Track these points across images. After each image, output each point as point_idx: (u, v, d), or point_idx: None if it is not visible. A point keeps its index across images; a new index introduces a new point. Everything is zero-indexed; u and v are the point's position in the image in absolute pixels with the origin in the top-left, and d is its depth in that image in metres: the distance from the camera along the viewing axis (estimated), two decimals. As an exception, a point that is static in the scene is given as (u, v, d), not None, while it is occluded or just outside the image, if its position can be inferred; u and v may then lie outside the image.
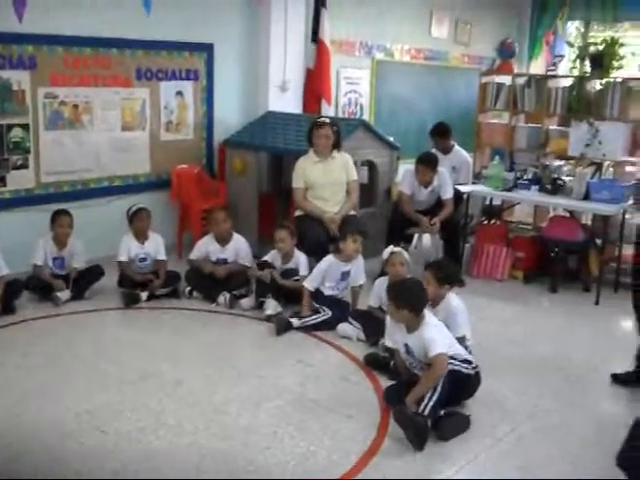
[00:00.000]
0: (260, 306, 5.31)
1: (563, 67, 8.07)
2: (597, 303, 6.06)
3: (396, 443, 3.46)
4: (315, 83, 6.83)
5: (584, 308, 5.98)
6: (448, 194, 6.45)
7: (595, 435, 3.75)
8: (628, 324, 5.63)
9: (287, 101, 6.86)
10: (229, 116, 6.84)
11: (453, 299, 4.29)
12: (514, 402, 4.08)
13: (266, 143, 6.51)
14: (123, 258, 5.59)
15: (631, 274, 4.71)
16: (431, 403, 3.51)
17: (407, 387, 3.66)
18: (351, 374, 4.32)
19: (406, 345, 3.84)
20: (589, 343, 5.17)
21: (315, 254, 5.49)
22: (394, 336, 3.96)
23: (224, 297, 5.42)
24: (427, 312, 3.85)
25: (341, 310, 5.09)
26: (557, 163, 7.20)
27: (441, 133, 6.99)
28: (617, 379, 4.43)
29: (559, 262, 6.48)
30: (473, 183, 6.95)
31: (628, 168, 7.00)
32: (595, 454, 3.51)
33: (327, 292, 5.18)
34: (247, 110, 6.79)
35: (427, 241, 6.54)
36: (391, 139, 6.60)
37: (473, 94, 8.03)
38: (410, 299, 3.80)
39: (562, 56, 8.28)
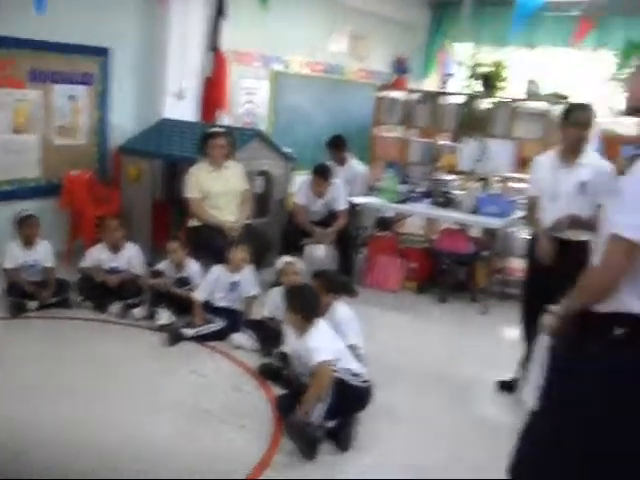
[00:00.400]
0: (152, 316, 5.23)
1: (454, 85, 8.32)
2: (484, 313, 6.28)
3: (289, 453, 3.47)
4: (212, 92, 6.81)
5: (472, 318, 6.18)
6: (342, 205, 6.56)
7: (484, 440, 3.89)
8: (512, 333, 5.84)
9: (184, 109, 6.80)
10: (125, 122, 6.72)
11: (340, 308, 4.33)
12: (406, 410, 4.17)
13: (161, 150, 6.44)
14: (10, 265, 5.39)
15: (521, 287, 4.90)
16: (320, 413, 3.54)
17: (299, 396, 3.67)
18: (244, 384, 4.30)
19: (296, 351, 3.89)
20: (477, 352, 5.34)
21: (220, 263, 5.47)
22: (289, 341, 4.01)
23: (116, 306, 5.32)
24: (320, 321, 3.88)
25: (234, 320, 5.07)
26: (448, 177, 7.43)
27: (337, 145, 7.08)
28: (503, 386, 4.61)
29: (449, 273, 6.68)
30: (367, 195, 7.07)
31: (513, 184, 7.28)
32: (485, 459, 3.63)
33: (218, 303, 5.16)
34: (143, 116, 6.69)
35: (321, 251, 6.60)
36: (287, 150, 6.65)
37: (369, 108, 8.18)
38: (303, 304, 3.85)
39: (451, 74, 8.55)
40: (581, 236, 4.11)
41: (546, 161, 4.43)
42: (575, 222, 4.14)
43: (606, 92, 8.00)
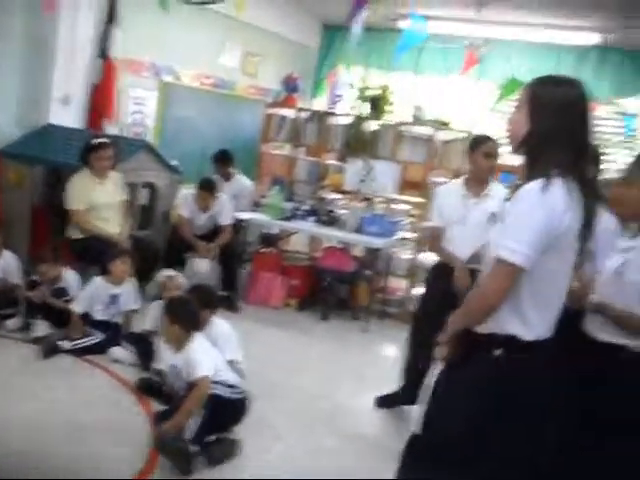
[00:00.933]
0: (28, 327, 5.05)
1: (343, 106, 8.47)
2: (365, 331, 6.40)
3: (167, 470, 3.41)
4: (99, 100, 6.66)
5: (353, 336, 6.28)
6: (227, 220, 6.56)
7: (362, 457, 3.97)
8: (392, 351, 5.99)
9: (69, 115, 6.61)
10: (6, 126, 6.47)
11: (218, 324, 4.31)
12: (285, 426, 4.20)
13: (44, 156, 6.23)
14: None
15: (415, 313, 4.90)
16: (194, 427, 3.52)
17: (174, 410, 3.64)
18: (122, 399, 4.21)
19: (173, 366, 3.83)
20: (356, 369, 5.43)
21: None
22: (164, 357, 3.95)
23: (-12, 317, 5.11)
24: (199, 335, 3.86)
25: (113, 333, 4.96)
26: (333, 196, 7.55)
27: (223, 159, 7.06)
28: (381, 401, 4.70)
29: (331, 291, 6.78)
30: (252, 211, 7.09)
31: (396, 205, 7.47)
32: (364, 476, 3.71)
33: (97, 316, 5.02)
34: (27, 121, 6.45)
35: (204, 266, 6.57)
36: (174, 162, 6.59)
37: (257, 124, 8.21)
38: (183, 315, 3.81)
39: (341, 96, 8.70)
40: None
41: (452, 191, 4.47)
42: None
43: (486, 122, 8.33)
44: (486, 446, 2.30)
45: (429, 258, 6.56)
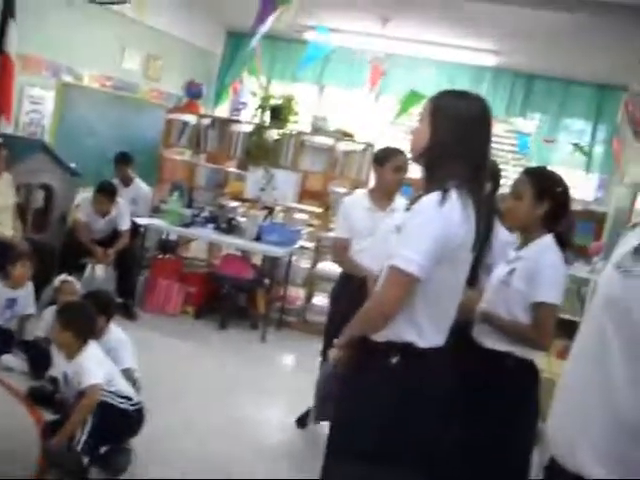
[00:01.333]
0: None
1: (246, 114, 8.46)
2: (263, 340, 6.41)
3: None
4: (-6, 97, 6.43)
5: (251, 345, 6.29)
6: (125, 225, 6.45)
7: (261, 464, 3.99)
8: (290, 360, 6.04)
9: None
10: None
11: (114, 331, 4.25)
12: (182, 436, 4.17)
13: None
14: None
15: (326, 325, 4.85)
16: (84, 437, 3.44)
17: (64, 420, 3.56)
18: (13, 408, 4.08)
19: (65, 374, 3.73)
20: (254, 380, 5.44)
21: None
22: (57, 364, 3.85)
23: None
24: (93, 343, 3.76)
25: (4, 340, 4.80)
26: (233, 204, 7.55)
27: (123, 161, 6.93)
28: (301, 421, 4.65)
29: (229, 299, 6.77)
30: (151, 217, 7.00)
31: (296, 214, 7.53)
32: None
33: (-10, 321, 4.86)
34: None
35: (101, 272, 6.44)
36: (72, 165, 6.44)
37: (159, 129, 8.11)
38: (77, 321, 3.71)
39: (245, 104, 8.68)
40: None
41: (357, 203, 4.45)
42: None
43: (387, 135, 8.51)
44: (388, 449, 2.36)
45: (328, 268, 6.67)
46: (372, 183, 4.72)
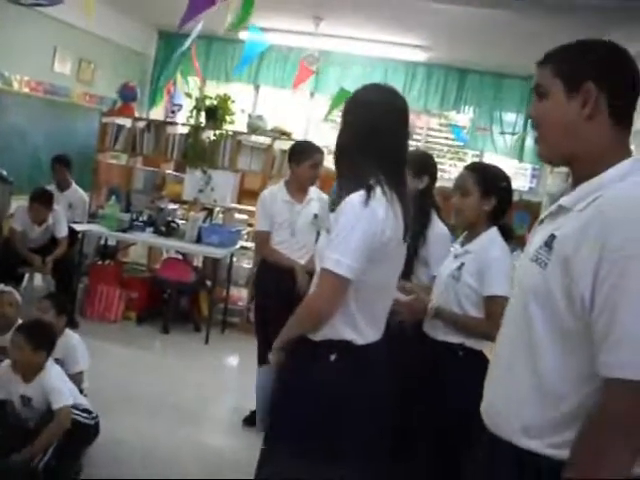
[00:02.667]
0: None
1: (182, 116, 8.38)
2: (207, 342, 6.37)
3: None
4: None
5: (195, 348, 6.25)
6: (62, 232, 6.35)
7: (208, 467, 3.97)
8: (234, 361, 6.02)
9: None
10: None
11: (71, 334, 4.17)
12: (129, 444, 4.13)
13: None
14: None
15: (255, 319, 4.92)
16: (47, 457, 3.38)
17: (19, 439, 3.46)
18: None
19: (23, 397, 3.59)
20: (199, 381, 5.41)
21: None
22: (7, 387, 3.64)
23: None
24: (51, 360, 3.64)
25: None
26: (172, 206, 7.47)
27: (63, 163, 6.81)
28: (248, 421, 4.64)
29: (171, 303, 6.71)
30: (89, 222, 6.90)
31: (236, 214, 7.51)
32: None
33: None
34: None
35: (39, 281, 6.33)
36: (3, 172, 6.30)
37: (93, 133, 7.98)
38: (41, 338, 3.58)
39: (180, 105, 8.61)
40: None
41: (275, 195, 4.58)
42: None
43: (321, 132, 8.55)
44: (328, 445, 2.38)
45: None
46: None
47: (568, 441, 1.58)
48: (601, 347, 1.50)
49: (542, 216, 1.80)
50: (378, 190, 2.32)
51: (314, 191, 4.63)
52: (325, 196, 4.64)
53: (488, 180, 3.01)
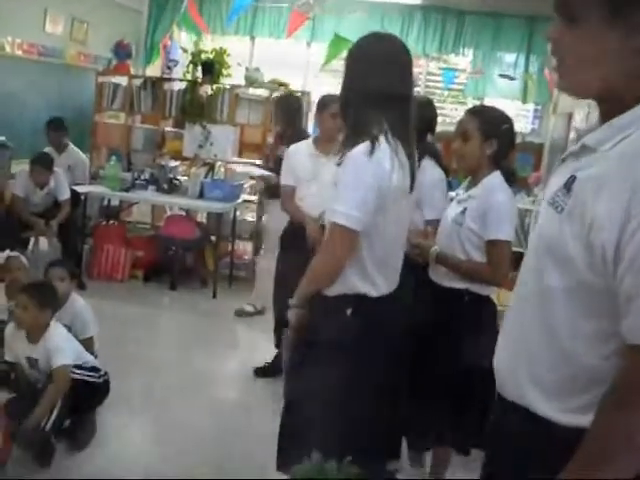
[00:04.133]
0: None
1: (178, 72, 8.30)
2: (214, 297, 6.41)
3: (20, 460, 3.31)
4: None
5: (203, 303, 6.28)
6: (65, 195, 6.33)
7: (225, 424, 4.01)
8: (242, 317, 6.05)
9: None
10: None
11: (77, 299, 4.17)
12: (143, 401, 4.21)
13: None
14: None
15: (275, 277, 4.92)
16: (53, 417, 3.38)
17: (31, 401, 3.46)
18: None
19: (29, 359, 3.61)
20: (210, 336, 5.45)
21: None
22: (14, 349, 3.68)
23: None
24: (55, 321, 3.66)
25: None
26: (173, 164, 7.45)
27: (56, 128, 6.77)
28: (260, 371, 4.71)
29: (177, 260, 6.72)
30: (90, 184, 6.88)
31: (237, 168, 7.47)
32: (227, 443, 3.76)
33: None
34: None
35: (44, 245, 6.34)
36: (2, 138, 6.27)
37: (89, 94, 7.91)
38: (45, 299, 3.58)
39: (176, 61, 8.52)
40: None
41: (301, 150, 4.50)
42: None
43: (320, 81, 8.48)
44: (347, 398, 2.40)
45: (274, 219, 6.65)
46: (311, 131, 4.76)
47: (582, 406, 1.43)
48: (628, 309, 1.30)
49: (564, 155, 1.58)
50: (383, 140, 2.30)
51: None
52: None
53: (489, 123, 2.96)
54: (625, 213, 1.27)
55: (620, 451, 1.33)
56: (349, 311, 2.43)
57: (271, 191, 5.36)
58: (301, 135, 5.09)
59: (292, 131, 5.38)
